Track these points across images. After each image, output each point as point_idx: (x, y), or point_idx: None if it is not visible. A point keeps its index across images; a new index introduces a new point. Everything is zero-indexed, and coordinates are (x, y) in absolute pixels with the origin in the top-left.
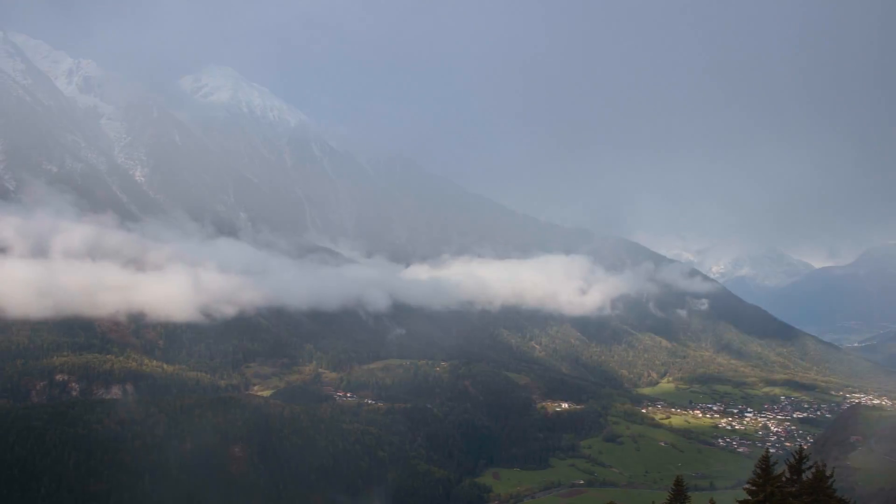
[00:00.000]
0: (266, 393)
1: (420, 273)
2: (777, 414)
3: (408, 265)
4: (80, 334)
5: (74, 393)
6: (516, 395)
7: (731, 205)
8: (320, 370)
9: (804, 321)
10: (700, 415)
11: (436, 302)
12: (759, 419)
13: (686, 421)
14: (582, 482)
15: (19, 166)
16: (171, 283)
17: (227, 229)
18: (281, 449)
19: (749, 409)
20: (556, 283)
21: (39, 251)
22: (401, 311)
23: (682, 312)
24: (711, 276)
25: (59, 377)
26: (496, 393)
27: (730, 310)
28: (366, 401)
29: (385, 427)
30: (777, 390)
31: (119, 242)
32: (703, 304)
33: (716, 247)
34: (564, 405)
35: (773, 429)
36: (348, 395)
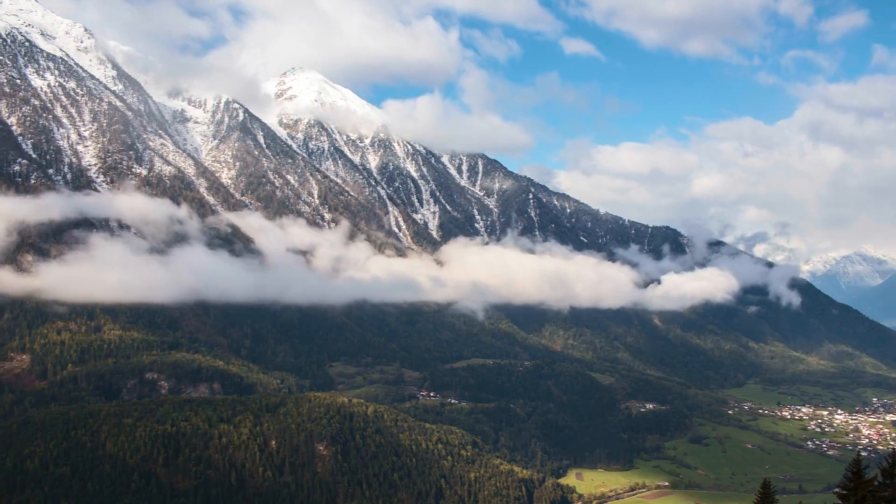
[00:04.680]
0: (350, 392)
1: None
2: (869, 416)
3: None
4: (168, 334)
5: (163, 391)
6: (600, 396)
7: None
8: (403, 369)
9: None
10: (788, 416)
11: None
12: (850, 421)
13: (773, 423)
14: (667, 484)
15: (111, 169)
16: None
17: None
18: (364, 448)
19: (839, 411)
20: (638, 282)
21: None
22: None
23: (770, 313)
24: (800, 274)
25: (148, 376)
26: (580, 393)
27: (819, 309)
28: (449, 400)
29: (468, 426)
30: (869, 392)
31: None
32: (792, 305)
33: (805, 243)
34: (649, 406)
35: (865, 431)
36: (431, 394)
